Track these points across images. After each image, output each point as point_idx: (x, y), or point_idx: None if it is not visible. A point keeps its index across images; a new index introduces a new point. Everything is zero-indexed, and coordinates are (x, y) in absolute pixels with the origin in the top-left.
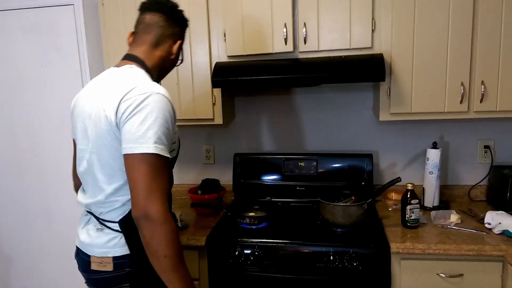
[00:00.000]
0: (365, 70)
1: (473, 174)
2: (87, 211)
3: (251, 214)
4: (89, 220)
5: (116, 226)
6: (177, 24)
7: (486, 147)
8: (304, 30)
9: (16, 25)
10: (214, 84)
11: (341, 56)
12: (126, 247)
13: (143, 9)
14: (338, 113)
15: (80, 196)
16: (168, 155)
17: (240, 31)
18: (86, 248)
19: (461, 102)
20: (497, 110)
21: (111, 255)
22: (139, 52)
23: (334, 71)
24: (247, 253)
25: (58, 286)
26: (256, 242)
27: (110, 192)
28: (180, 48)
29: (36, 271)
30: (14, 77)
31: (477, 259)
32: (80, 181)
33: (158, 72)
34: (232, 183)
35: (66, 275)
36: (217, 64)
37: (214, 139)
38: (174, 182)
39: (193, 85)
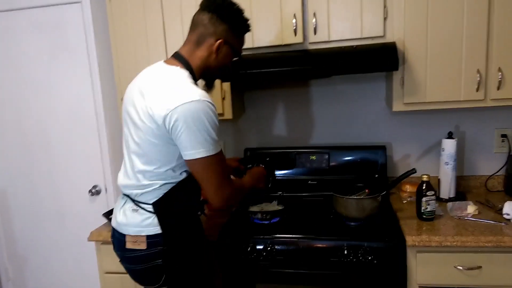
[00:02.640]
0: (377, 60)
1: (490, 164)
2: (124, 194)
3: (263, 209)
4: (125, 202)
5: (150, 208)
6: (223, 21)
7: (504, 136)
8: (314, 20)
9: (24, 24)
10: (223, 78)
11: (352, 46)
12: (159, 227)
13: (199, 8)
14: (350, 105)
15: (119, 177)
16: (220, 149)
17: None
18: (122, 228)
19: (477, 90)
20: None
21: (144, 234)
22: (184, 50)
23: (346, 62)
24: (259, 249)
25: (71, 284)
26: (269, 237)
27: (146, 177)
28: (227, 46)
29: (49, 270)
30: (23, 76)
31: (496, 251)
32: None
33: (201, 73)
34: None
35: (78, 273)
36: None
37: (224, 134)
38: None
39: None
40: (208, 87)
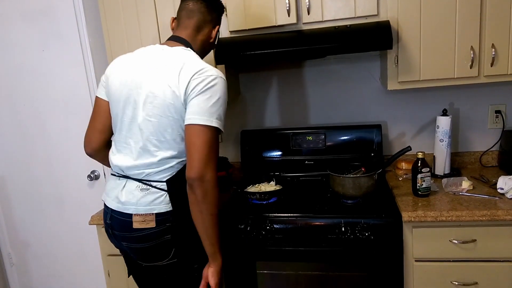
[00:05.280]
0: (371, 39)
1: (484, 140)
2: (121, 176)
3: (261, 189)
4: (125, 183)
5: (161, 185)
6: (215, 10)
7: (497, 112)
8: (307, 0)
9: (15, 11)
10: (218, 61)
11: (346, 25)
12: (170, 204)
13: None
14: (344, 85)
15: (119, 159)
16: (223, 130)
17: (241, 5)
18: (129, 209)
19: (471, 67)
20: (508, 73)
21: (155, 211)
22: (184, 35)
23: (340, 41)
24: (258, 228)
25: (73, 267)
26: (267, 216)
27: (162, 157)
28: (218, 32)
29: (52, 254)
30: (16, 65)
31: (490, 224)
32: (98, 143)
33: (199, 55)
34: (240, 160)
35: (81, 257)
36: (219, 40)
37: None
38: None
39: None
40: None
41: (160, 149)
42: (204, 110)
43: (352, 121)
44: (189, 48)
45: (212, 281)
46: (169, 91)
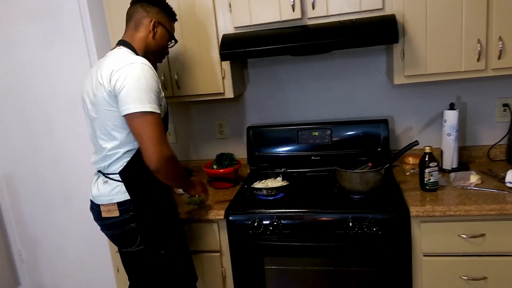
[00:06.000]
0: (377, 33)
1: (492, 134)
2: (97, 171)
3: (268, 185)
4: (98, 177)
5: (117, 177)
6: (154, 5)
7: (505, 105)
8: None
9: (20, 10)
10: (222, 57)
11: (351, 20)
12: (127, 193)
13: (130, 4)
14: (350, 79)
15: (92, 157)
16: (159, 112)
17: (245, 0)
18: (96, 199)
19: (478, 60)
20: None
21: (115, 201)
22: (126, 37)
23: (345, 36)
24: (266, 224)
25: (83, 263)
26: (274, 212)
27: (109, 148)
28: (161, 27)
29: (61, 250)
30: (22, 64)
31: (499, 219)
32: None
33: (145, 53)
34: (246, 156)
35: (90, 253)
36: (224, 36)
37: (226, 114)
38: (189, 158)
39: (201, 60)
40: None
41: (106, 141)
42: (135, 98)
43: (358, 116)
44: (121, 46)
45: (199, 191)
46: (100, 87)
